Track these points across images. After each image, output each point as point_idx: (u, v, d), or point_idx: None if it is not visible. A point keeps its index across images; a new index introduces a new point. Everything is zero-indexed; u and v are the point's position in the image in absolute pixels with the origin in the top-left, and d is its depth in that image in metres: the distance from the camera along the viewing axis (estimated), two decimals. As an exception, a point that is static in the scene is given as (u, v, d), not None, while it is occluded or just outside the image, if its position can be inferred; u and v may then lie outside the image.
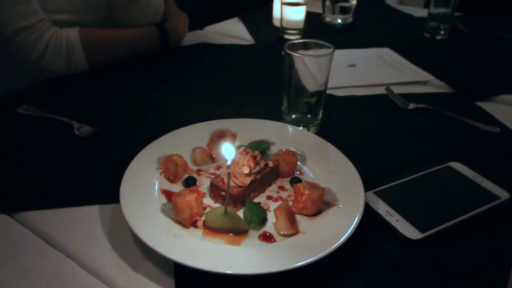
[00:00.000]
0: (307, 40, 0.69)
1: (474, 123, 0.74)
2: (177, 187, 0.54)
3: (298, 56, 0.65)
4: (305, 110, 0.70)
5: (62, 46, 0.88)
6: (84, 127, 0.70)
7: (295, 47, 0.68)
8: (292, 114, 0.71)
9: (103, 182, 0.57)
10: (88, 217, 0.51)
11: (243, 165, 0.52)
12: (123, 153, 0.60)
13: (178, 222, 0.48)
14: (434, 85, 0.91)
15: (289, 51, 0.66)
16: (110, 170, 0.59)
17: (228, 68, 0.99)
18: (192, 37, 1.17)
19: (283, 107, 0.72)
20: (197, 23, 1.29)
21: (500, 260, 0.46)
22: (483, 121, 0.74)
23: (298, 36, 1.19)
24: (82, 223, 0.51)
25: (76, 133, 0.68)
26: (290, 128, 0.68)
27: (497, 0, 1.52)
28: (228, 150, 0.47)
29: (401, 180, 0.58)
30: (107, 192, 0.54)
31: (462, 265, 0.46)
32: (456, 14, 1.25)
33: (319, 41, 0.69)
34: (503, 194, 0.55)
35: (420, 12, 1.46)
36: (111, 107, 0.79)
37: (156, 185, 0.54)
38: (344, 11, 1.33)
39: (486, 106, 0.82)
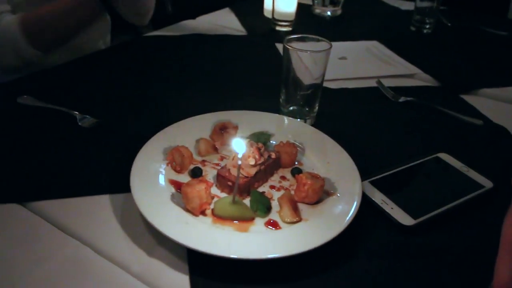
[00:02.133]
0: (305, 35, 0.72)
1: (459, 116, 0.78)
2: (183, 177, 0.57)
3: (295, 51, 0.68)
4: (301, 103, 0.73)
5: (4, 40, 0.85)
6: (87, 118, 0.71)
7: (293, 41, 0.71)
8: (290, 107, 0.74)
9: (111, 172, 0.59)
10: (100, 206, 0.54)
11: (249, 156, 0.55)
12: (127, 145, 0.62)
13: (188, 210, 0.51)
14: (421, 78, 0.95)
15: (287, 46, 0.69)
16: (116, 161, 0.61)
17: (223, 59, 1.01)
18: (185, 27, 1.18)
19: (280, 100, 0.74)
20: (189, 13, 1.30)
21: (484, 244, 0.50)
22: (468, 114, 0.79)
23: (289, 28, 1.21)
24: (94, 212, 0.53)
25: (80, 124, 0.69)
26: (288, 120, 0.71)
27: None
28: (239, 145, 0.50)
29: (394, 170, 0.62)
30: (116, 182, 0.56)
31: (451, 249, 0.50)
32: (441, 8, 1.29)
33: (316, 36, 0.71)
34: (487, 183, 0.60)
35: (406, 5, 1.50)
36: (110, 99, 0.80)
37: (164, 175, 0.56)
38: (333, 3, 1.36)
39: (470, 99, 0.86)
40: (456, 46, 1.15)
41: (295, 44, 0.70)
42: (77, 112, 0.72)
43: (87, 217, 0.52)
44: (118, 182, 0.55)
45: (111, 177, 0.58)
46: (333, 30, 1.25)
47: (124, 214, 0.53)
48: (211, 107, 0.71)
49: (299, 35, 0.72)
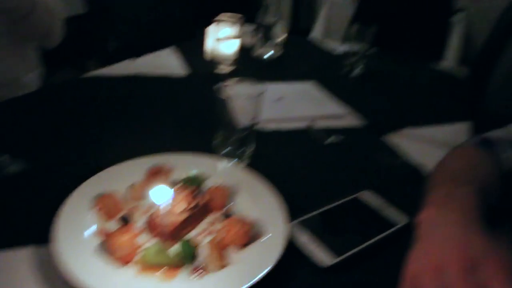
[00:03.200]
0: (240, 78, 0.76)
1: (382, 156, 0.85)
2: (112, 226, 0.57)
3: (230, 95, 0.71)
4: (236, 145, 0.76)
5: None
6: (13, 163, 0.69)
7: (228, 84, 0.75)
8: (225, 149, 0.77)
9: (37, 222, 0.58)
10: (20, 261, 0.52)
11: (179, 202, 0.56)
12: (57, 191, 0.61)
13: (114, 260, 0.51)
14: (350, 119, 1.01)
15: (221, 90, 0.72)
16: (42, 209, 0.60)
17: (162, 101, 1.03)
18: (126, 67, 1.19)
19: (216, 141, 0.77)
20: (133, 50, 1.31)
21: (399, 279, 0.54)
22: (390, 154, 0.85)
23: (230, 69, 1.26)
24: (13, 268, 0.51)
25: (5, 169, 0.68)
26: (222, 162, 0.73)
27: (405, 37, 1.71)
28: (161, 192, 0.51)
29: (320, 210, 0.65)
30: (40, 233, 0.55)
31: (371, 286, 0.53)
32: (371, 50, 1.39)
33: (251, 79, 0.76)
34: (404, 219, 0.65)
35: (341, 48, 1.61)
36: (42, 142, 0.79)
37: (92, 224, 0.56)
38: (273, 45, 1.43)
39: (393, 138, 0.94)
40: (383, 88, 1.25)
41: (231, 87, 0.74)
42: (3, 157, 0.70)
43: (3, 274, 0.50)
44: (44, 233, 0.54)
45: (37, 227, 0.57)
46: (272, 72, 1.31)
47: (46, 268, 0.51)
48: (147, 150, 0.72)
49: (235, 78, 0.76)
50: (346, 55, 1.34)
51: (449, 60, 2.39)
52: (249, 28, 1.47)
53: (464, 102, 1.24)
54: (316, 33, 2.76)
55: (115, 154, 0.71)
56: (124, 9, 1.47)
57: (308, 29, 2.97)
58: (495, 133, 0.73)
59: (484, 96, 2.93)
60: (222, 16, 1.23)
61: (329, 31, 2.71)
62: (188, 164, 0.71)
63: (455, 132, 0.99)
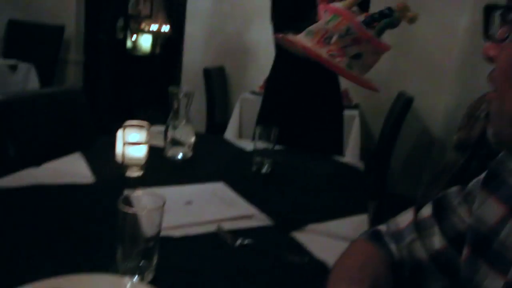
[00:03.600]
0: (141, 190, 0.76)
1: (288, 255, 0.87)
2: None
3: (130, 209, 0.71)
4: (139, 258, 0.74)
5: None
6: None
7: (128, 198, 0.74)
8: (127, 263, 0.74)
9: None
10: None
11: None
12: None
13: None
14: (258, 219, 1.04)
15: (125, 200, 0.71)
16: None
17: (65, 212, 0.97)
18: (27, 177, 1.13)
19: (116, 256, 0.74)
20: (35, 158, 1.26)
21: None
22: (296, 252, 0.88)
23: (140, 173, 1.26)
24: None
25: None
26: (122, 280, 0.70)
27: (307, 135, 1.87)
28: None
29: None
30: None
31: None
32: (277, 148, 1.49)
33: (152, 191, 0.76)
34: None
35: (251, 145, 1.70)
36: None
37: None
38: (184, 145, 1.47)
39: (299, 236, 0.97)
40: (289, 184, 1.32)
41: (135, 197, 0.73)
42: None
43: None
44: None
45: None
46: (183, 173, 1.33)
47: None
48: (44, 271, 0.67)
49: (139, 187, 0.76)
50: (255, 153, 1.42)
51: (350, 153, 2.63)
52: (160, 130, 1.51)
53: (366, 194, 1.35)
54: (230, 130, 2.91)
55: (7, 278, 0.64)
56: (23, 113, 1.44)
57: (224, 125, 3.12)
58: (384, 226, 0.81)
59: (386, 182, 3.21)
60: (130, 122, 1.26)
61: (242, 128, 2.86)
62: (88, 285, 0.66)
63: (357, 224, 1.06)
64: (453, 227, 0.69)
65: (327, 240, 0.98)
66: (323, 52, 0.80)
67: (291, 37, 0.82)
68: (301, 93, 1.86)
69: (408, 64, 3.22)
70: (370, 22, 0.77)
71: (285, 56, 1.88)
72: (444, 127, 3.06)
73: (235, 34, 3.94)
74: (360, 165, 1.65)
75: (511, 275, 0.51)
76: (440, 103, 3.15)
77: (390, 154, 2.98)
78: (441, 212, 0.72)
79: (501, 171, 0.60)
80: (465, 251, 0.62)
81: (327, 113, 1.92)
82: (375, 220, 1.05)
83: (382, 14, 0.76)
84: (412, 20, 0.76)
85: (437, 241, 0.70)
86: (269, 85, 1.99)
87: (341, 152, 1.95)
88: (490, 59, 0.52)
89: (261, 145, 1.42)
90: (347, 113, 2.82)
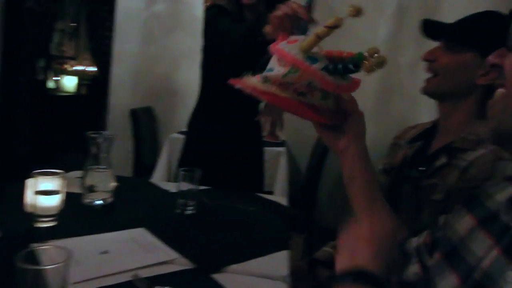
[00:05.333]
0: (49, 243, 0.72)
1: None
2: None
3: (30, 265, 0.66)
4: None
5: None
6: None
7: (31, 253, 0.70)
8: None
9: None
10: None
11: None
12: None
13: None
14: (179, 263, 1.03)
15: (21, 260, 0.67)
16: None
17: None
18: None
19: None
20: None
21: None
22: (216, 295, 0.87)
23: (54, 222, 1.18)
24: None
25: None
26: None
27: (231, 175, 1.89)
28: None
29: None
30: None
31: None
32: (202, 188, 1.49)
33: (64, 242, 0.72)
34: None
35: (175, 187, 1.68)
36: None
37: None
38: (103, 191, 1.41)
39: (220, 277, 0.97)
40: (212, 225, 1.32)
41: (38, 252, 0.69)
42: None
43: None
44: None
45: None
46: (101, 220, 1.27)
47: None
48: None
49: (35, 247, 0.71)
50: (179, 195, 1.40)
51: (279, 188, 2.69)
52: (77, 175, 1.45)
53: (288, 230, 1.39)
54: (158, 172, 2.85)
55: None
56: None
57: (153, 166, 3.05)
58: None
59: (313, 215, 3.31)
60: (41, 170, 1.19)
61: (171, 169, 2.82)
62: None
63: (277, 261, 1.08)
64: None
65: (248, 279, 0.98)
66: (289, 93, 0.76)
67: (249, 84, 0.76)
68: (223, 131, 1.91)
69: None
70: (333, 71, 0.72)
71: (207, 95, 1.93)
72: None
73: (163, 75, 3.94)
74: (284, 200, 1.69)
75: (461, 273, 0.63)
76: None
77: (317, 187, 3.09)
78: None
79: (480, 194, 0.73)
80: (436, 256, 0.73)
81: (249, 149, 1.97)
82: (305, 253, 1.08)
83: (346, 69, 0.72)
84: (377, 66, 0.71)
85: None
86: (191, 124, 2.02)
87: (262, 188, 2.01)
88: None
89: (185, 186, 1.42)
90: (275, 149, 2.92)
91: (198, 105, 1.99)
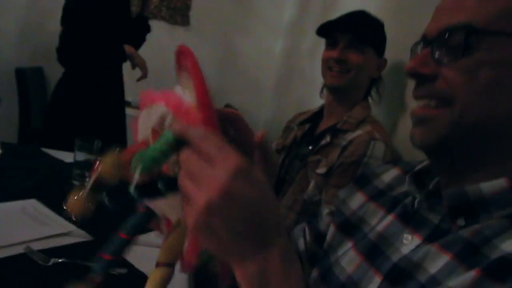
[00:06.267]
0: None
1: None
2: None
3: None
4: None
5: None
6: None
7: None
8: None
9: None
10: None
11: None
12: None
13: None
14: (76, 235, 1.01)
15: None
16: None
17: None
18: None
19: None
20: None
21: None
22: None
23: None
24: None
25: None
26: None
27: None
28: None
29: None
30: None
31: None
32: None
33: None
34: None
35: (71, 157, 1.60)
36: None
37: None
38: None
39: (120, 249, 0.98)
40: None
41: None
42: None
43: None
44: None
45: None
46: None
47: None
48: None
49: None
50: (75, 165, 1.35)
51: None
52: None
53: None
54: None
55: None
56: None
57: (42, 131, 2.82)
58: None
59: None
60: None
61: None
62: None
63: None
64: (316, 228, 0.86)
65: (148, 250, 1.01)
66: None
67: None
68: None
69: (234, 79, 3.48)
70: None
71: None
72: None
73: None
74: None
75: (356, 238, 0.72)
76: (260, 116, 3.50)
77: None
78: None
79: (368, 174, 0.82)
80: (332, 228, 0.80)
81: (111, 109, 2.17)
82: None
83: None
84: None
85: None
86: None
87: None
88: (417, 75, 0.60)
89: (81, 156, 1.37)
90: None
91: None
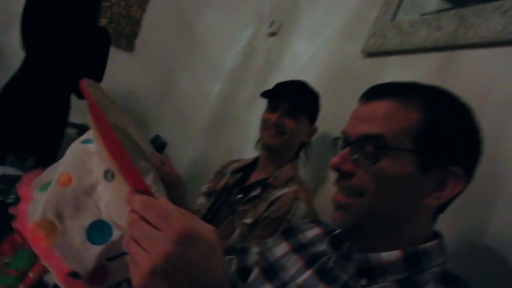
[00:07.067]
0: None
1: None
2: None
3: None
4: None
5: None
6: None
7: None
8: None
9: None
10: None
11: None
12: None
13: None
14: None
15: None
16: None
17: None
18: None
19: None
20: None
21: None
22: None
23: None
24: None
25: None
26: None
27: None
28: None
29: None
30: None
31: None
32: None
33: None
34: None
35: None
36: None
37: None
38: None
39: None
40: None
41: None
42: None
43: None
44: None
45: None
46: None
47: None
48: None
49: None
50: (2, 180, 1.31)
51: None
52: None
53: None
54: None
55: None
56: None
57: None
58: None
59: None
60: None
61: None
62: None
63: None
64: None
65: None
66: None
67: None
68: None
69: (169, 112, 3.48)
70: None
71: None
72: (187, 174, 3.41)
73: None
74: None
75: (276, 285, 0.82)
76: (188, 152, 3.53)
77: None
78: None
79: (294, 228, 0.96)
80: (256, 271, 0.91)
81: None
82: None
83: None
84: None
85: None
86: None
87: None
88: (339, 170, 0.74)
89: (11, 171, 1.33)
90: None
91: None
